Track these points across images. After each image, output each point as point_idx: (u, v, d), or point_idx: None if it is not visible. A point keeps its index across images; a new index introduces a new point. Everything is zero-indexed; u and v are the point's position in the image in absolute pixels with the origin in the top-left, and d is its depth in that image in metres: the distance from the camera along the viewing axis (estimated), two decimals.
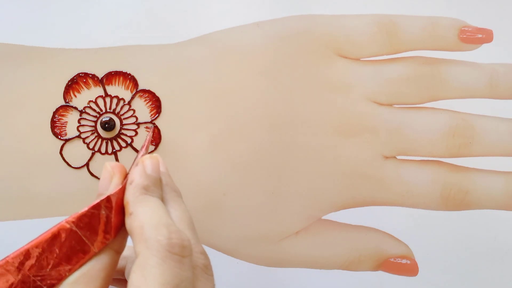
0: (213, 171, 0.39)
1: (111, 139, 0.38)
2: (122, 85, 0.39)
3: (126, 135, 0.38)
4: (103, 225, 0.25)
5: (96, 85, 0.38)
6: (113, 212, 0.25)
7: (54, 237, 0.24)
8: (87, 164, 0.38)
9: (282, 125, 0.39)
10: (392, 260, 0.40)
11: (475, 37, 0.40)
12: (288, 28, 0.40)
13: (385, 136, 0.39)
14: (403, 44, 0.40)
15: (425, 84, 0.40)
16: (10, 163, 0.37)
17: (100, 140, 0.38)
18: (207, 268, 0.26)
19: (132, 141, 0.38)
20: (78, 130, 0.38)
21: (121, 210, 0.26)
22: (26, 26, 0.39)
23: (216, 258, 0.39)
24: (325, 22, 0.40)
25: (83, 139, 0.38)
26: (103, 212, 0.25)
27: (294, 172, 0.39)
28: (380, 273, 0.40)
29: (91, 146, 0.38)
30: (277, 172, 0.39)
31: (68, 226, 0.24)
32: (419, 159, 0.40)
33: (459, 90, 0.40)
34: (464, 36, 0.40)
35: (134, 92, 0.38)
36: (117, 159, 0.38)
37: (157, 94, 0.38)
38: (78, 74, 0.38)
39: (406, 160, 0.40)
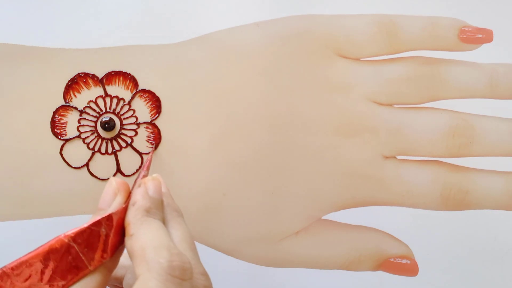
0: (213, 171, 0.39)
1: (111, 139, 0.38)
2: (122, 85, 0.39)
3: (126, 135, 0.38)
4: (102, 244, 0.25)
5: (96, 85, 0.38)
6: (113, 231, 0.25)
7: (52, 251, 0.24)
8: (87, 164, 0.38)
9: (282, 125, 0.39)
10: (392, 260, 0.40)
11: (475, 37, 0.40)
12: (288, 28, 0.40)
13: (385, 136, 0.39)
14: (403, 44, 0.40)
15: (425, 84, 0.40)
16: (10, 163, 0.37)
17: (100, 140, 0.38)
18: None
19: (132, 141, 0.38)
20: (78, 130, 0.38)
21: (121, 230, 0.26)
22: (26, 26, 0.39)
23: (216, 258, 0.39)
24: (325, 22, 0.40)
25: (83, 139, 0.38)
26: (103, 230, 0.25)
27: (294, 172, 0.39)
28: (380, 273, 0.40)
29: (91, 146, 0.38)
30: (277, 172, 0.39)
31: (66, 240, 0.24)
32: (419, 159, 0.40)
33: (459, 90, 0.40)
34: (464, 36, 0.40)
35: (134, 92, 0.38)
36: (117, 159, 0.38)
37: (157, 94, 0.38)
38: (78, 74, 0.38)
39: (406, 160, 0.40)
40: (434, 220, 0.40)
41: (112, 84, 0.38)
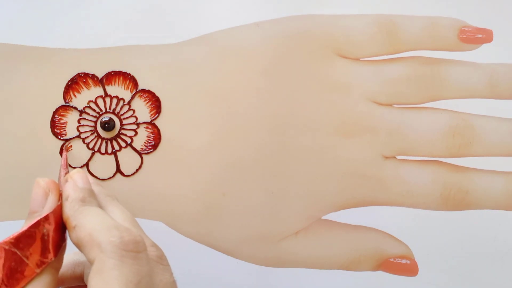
0: (213, 171, 0.39)
1: (111, 139, 0.38)
2: (122, 85, 0.39)
3: (126, 135, 0.38)
4: (45, 244, 0.24)
5: (96, 85, 0.38)
6: (53, 230, 0.25)
7: None
8: (87, 164, 0.38)
9: (282, 125, 0.39)
10: (392, 260, 0.40)
11: (475, 37, 0.40)
12: (288, 28, 0.40)
13: (385, 136, 0.39)
14: (403, 44, 0.40)
15: (425, 84, 0.40)
16: (10, 163, 0.37)
17: (100, 140, 0.38)
18: (162, 259, 0.26)
19: (132, 141, 0.38)
20: (78, 130, 0.38)
21: (60, 228, 0.25)
22: (26, 26, 0.39)
23: (216, 258, 0.39)
24: (325, 22, 0.40)
25: (83, 139, 0.38)
26: (45, 230, 0.24)
27: (294, 172, 0.39)
28: (380, 273, 0.40)
29: (91, 146, 0.38)
30: (277, 172, 0.39)
31: (7, 247, 0.23)
32: (419, 159, 0.40)
33: (459, 90, 0.40)
34: (464, 36, 0.40)
35: (134, 92, 0.38)
36: (117, 159, 0.38)
37: (157, 94, 0.38)
38: (78, 74, 0.38)
39: (406, 160, 0.40)
40: (434, 220, 0.40)
41: (112, 84, 0.38)
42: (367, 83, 0.40)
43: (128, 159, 0.38)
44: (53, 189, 0.27)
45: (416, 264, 0.40)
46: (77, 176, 0.28)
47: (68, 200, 0.26)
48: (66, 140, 0.38)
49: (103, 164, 0.38)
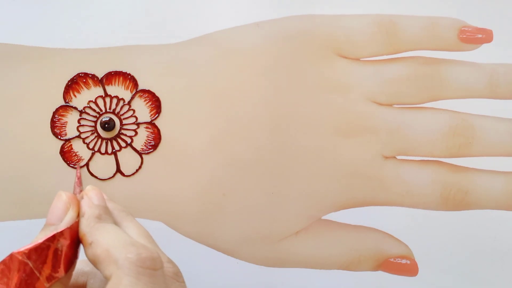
0: (213, 171, 0.39)
1: (111, 139, 0.38)
2: (122, 85, 0.39)
3: (126, 135, 0.38)
4: (57, 259, 0.24)
5: (96, 85, 0.38)
6: (68, 245, 0.25)
7: (5, 269, 0.23)
8: (87, 164, 0.38)
9: (282, 125, 0.39)
10: (392, 260, 0.40)
11: (475, 37, 0.40)
12: (288, 28, 0.40)
13: (385, 136, 0.39)
14: (403, 44, 0.40)
15: (425, 84, 0.40)
16: (10, 163, 0.37)
17: (100, 140, 0.38)
18: (178, 276, 0.26)
19: (132, 141, 0.38)
20: (78, 130, 0.38)
21: (75, 244, 0.26)
22: (26, 26, 0.39)
23: (216, 258, 0.39)
24: (325, 22, 0.40)
25: (83, 139, 0.38)
26: (59, 245, 0.24)
27: (294, 172, 0.39)
28: (380, 273, 0.40)
29: (91, 146, 0.38)
30: (277, 172, 0.39)
31: (20, 257, 0.23)
32: (419, 159, 0.40)
33: (459, 90, 0.40)
34: (464, 36, 0.40)
35: (134, 92, 0.38)
36: (117, 159, 0.38)
37: (157, 94, 0.38)
38: (78, 74, 0.38)
39: (406, 160, 0.40)
40: (434, 220, 0.40)
41: (112, 84, 0.38)
42: (367, 83, 0.40)
43: (128, 159, 0.38)
44: (74, 205, 0.27)
45: (416, 264, 0.40)
46: (93, 193, 0.28)
47: (84, 217, 0.26)
48: (66, 140, 0.38)
49: (103, 164, 0.38)
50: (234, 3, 0.40)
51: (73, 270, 0.26)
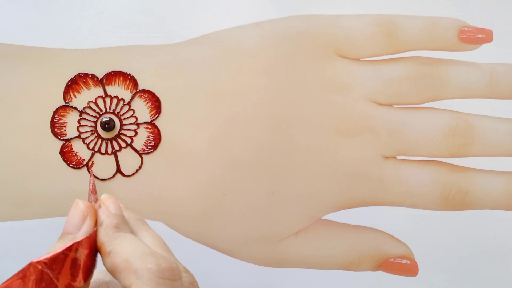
0: (213, 171, 0.39)
1: (111, 139, 0.38)
2: (122, 85, 0.39)
3: (126, 135, 0.38)
4: (76, 269, 0.24)
5: (96, 85, 0.38)
6: (86, 255, 0.25)
7: (24, 278, 0.23)
8: (87, 164, 0.38)
9: (282, 125, 0.39)
10: (392, 260, 0.40)
11: (475, 37, 0.40)
12: (288, 28, 0.40)
13: (385, 136, 0.39)
14: (403, 44, 0.40)
15: (425, 84, 0.40)
16: (10, 163, 0.37)
17: (100, 140, 0.38)
18: (194, 285, 0.26)
19: (132, 141, 0.38)
20: (78, 130, 0.38)
21: (93, 254, 0.26)
22: (26, 26, 0.39)
23: (216, 258, 0.39)
24: (325, 22, 0.40)
25: (83, 139, 0.38)
26: (78, 255, 0.24)
27: (294, 172, 0.39)
28: (380, 273, 0.40)
29: (91, 146, 0.38)
30: (277, 172, 0.39)
31: (39, 267, 0.23)
32: (419, 159, 0.40)
33: (459, 90, 0.40)
34: (464, 36, 0.40)
35: (134, 92, 0.38)
36: (117, 159, 0.38)
37: (157, 94, 0.38)
38: (78, 74, 0.38)
39: (406, 160, 0.40)
40: (434, 220, 0.40)
41: (112, 84, 0.38)
42: (367, 83, 0.40)
43: (128, 159, 0.38)
44: (92, 214, 0.27)
45: (416, 264, 0.40)
46: (109, 202, 0.28)
47: (102, 226, 0.26)
48: (66, 140, 0.38)
49: (103, 164, 0.38)
50: (234, 3, 0.40)
51: (90, 279, 0.26)
